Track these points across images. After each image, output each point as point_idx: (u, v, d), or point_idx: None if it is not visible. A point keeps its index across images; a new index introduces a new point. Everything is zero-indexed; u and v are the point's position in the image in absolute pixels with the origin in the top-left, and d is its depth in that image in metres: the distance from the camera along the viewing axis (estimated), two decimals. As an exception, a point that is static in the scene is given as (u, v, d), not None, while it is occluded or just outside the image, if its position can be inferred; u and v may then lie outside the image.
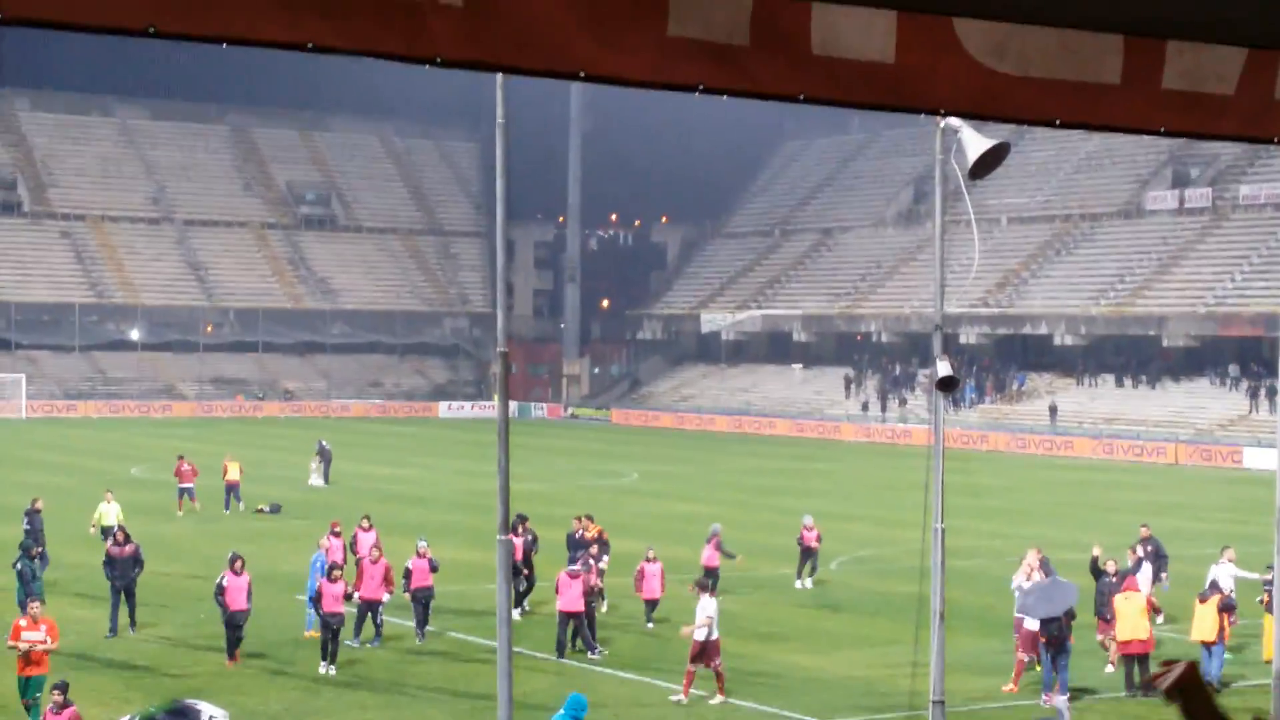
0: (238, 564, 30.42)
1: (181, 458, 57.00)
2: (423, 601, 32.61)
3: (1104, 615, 29.35)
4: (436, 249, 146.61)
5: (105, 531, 39.65)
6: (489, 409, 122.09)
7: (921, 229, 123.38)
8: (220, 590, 29.93)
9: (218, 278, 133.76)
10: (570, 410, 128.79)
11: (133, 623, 32.61)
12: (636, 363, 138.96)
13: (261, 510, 54.66)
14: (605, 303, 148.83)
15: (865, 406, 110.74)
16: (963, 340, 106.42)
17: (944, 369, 16.78)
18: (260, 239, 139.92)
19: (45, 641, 25.27)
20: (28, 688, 25.13)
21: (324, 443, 67.42)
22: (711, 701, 27.09)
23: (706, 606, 27.60)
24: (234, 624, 29.84)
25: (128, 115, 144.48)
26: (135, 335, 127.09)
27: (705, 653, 27.34)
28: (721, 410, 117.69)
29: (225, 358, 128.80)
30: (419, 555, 33.07)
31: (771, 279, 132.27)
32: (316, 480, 64.03)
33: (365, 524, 36.92)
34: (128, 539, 33.44)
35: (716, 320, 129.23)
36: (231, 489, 56.81)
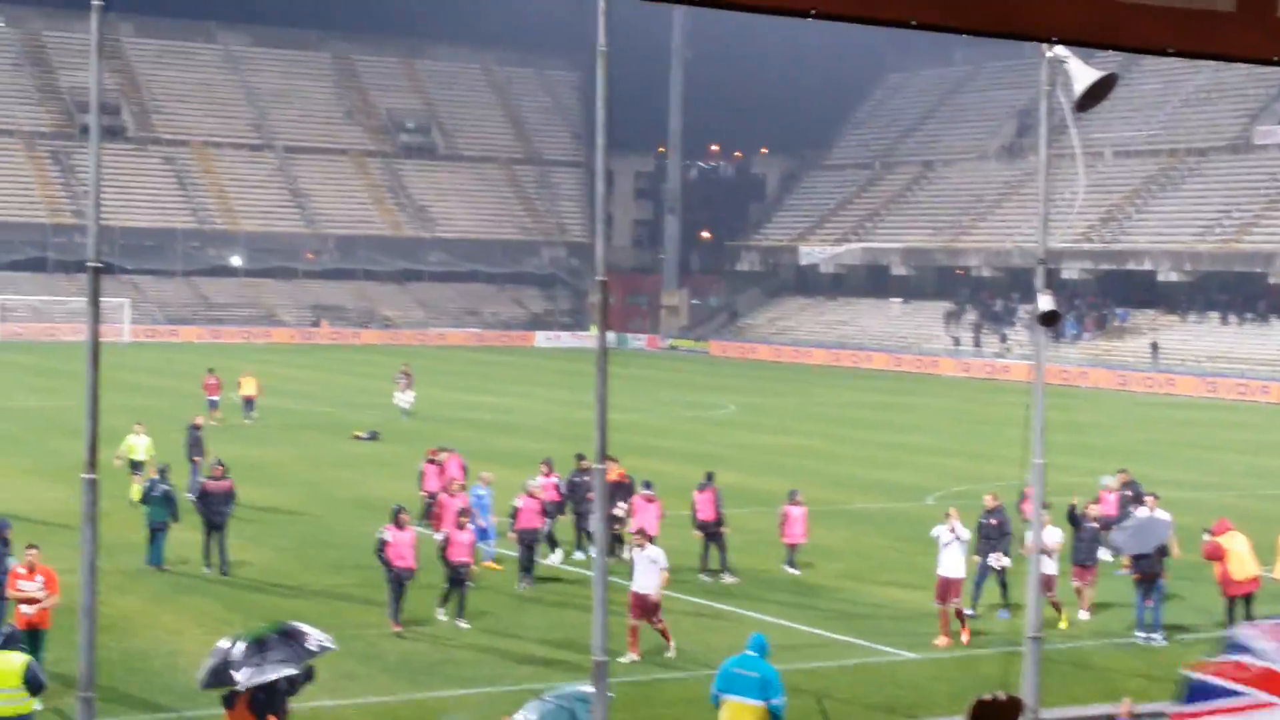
0: (402, 517, 27.34)
1: (211, 371, 60.91)
2: (528, 544, 30.70)
3: (1084, 563, 28.99)
4: (535, 178, 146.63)
5: (134, 465, 38.59)
6: (586, 339, 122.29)
7: (1024, 162, 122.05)
8: (381, 546, 26.89)
9: (318, 205, 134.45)
10: (668, 341, 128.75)
11: (224, 563, 31.06)
12: (735, 294, 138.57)
13: (359, 436, 54.99)
14: (704, 234, 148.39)
15: (958, 341, 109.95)
16: (1065, 276, 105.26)
17: (1046, 304, 16.53)
18: (360, 167, 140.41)
19: (41, 594, 22.66)
20: (30, 643, 21.66)
21: (407, 369, 65.79)
22: (668, 654, 25.29)
23: (659, 558, 25.55)
24: (399, 583, 26.76)
25: (230, 41, 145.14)
26: (236, 261, 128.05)
27: (647, 608, 25.34)
28: (819, 343, 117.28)
29: (324, 285, 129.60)
30: (529, 495, 31.13)
31: (871, 212, 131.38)
32: (402, 401, 63.12)
33: (444, 455, 36.94)
34: (225, 473, 31.86)
35: (815, 253, 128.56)
36: (248, 402, 60.23)
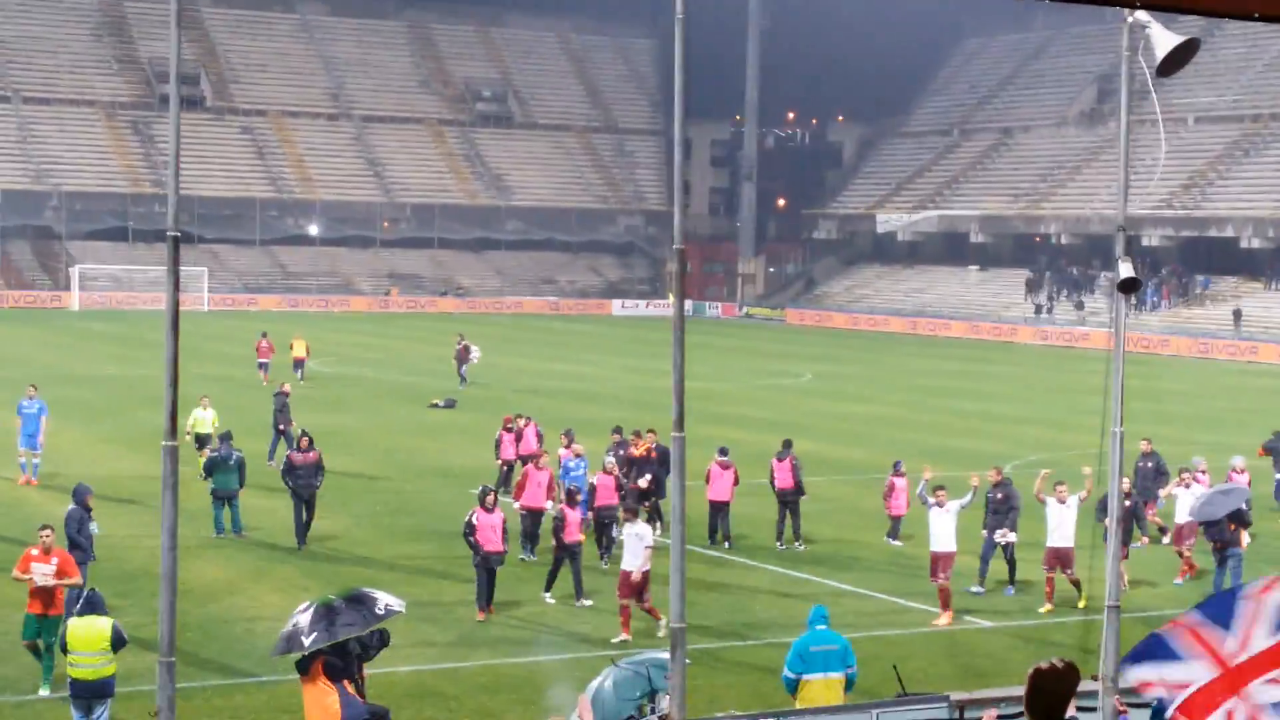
0: (489, 499, 26.26)
1: (264, 335, 63.18)
2: (606, 521, 29.62)
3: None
4: (612, 146, 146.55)
5: (200, 439, 37.96)
6: (662, 307, 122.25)
7: (1104, 128, 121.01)
8: (470, 529, 25.82)
9: (394, 174, 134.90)
10: (745, 309, 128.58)
11: (302, 539, 30.69)
12: (811, 262, 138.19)
13: (435, 405, 55.20)
14: (781, 201, 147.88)
15: (1039, 309, 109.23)
16: (1145, 243, 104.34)
17: (1126, 270, 16.36)
18: (437, 135, 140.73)
19: (59, 577, 21.54)
20: (39, 628, 21.43)
21: (465, 340, 64.18)
22: (660, 634, 23.99)
23: (644, 535, 24.78)
24: (488, 567, 25.71)
25: (307, 11, 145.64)
26: (313, 230, 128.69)
27: (632, 586, 24.51)
28: (896, 311, 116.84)
29: (401, 253, 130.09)
30: (605, 471, 30.11)
31: (949, 179, 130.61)
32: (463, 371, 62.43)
33: (522, 420, 36.97)
34: (311, 445, 31.20)
35: (892, 220, 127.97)
36: (298, 364, 62.00)
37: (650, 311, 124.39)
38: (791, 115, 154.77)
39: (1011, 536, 28.09)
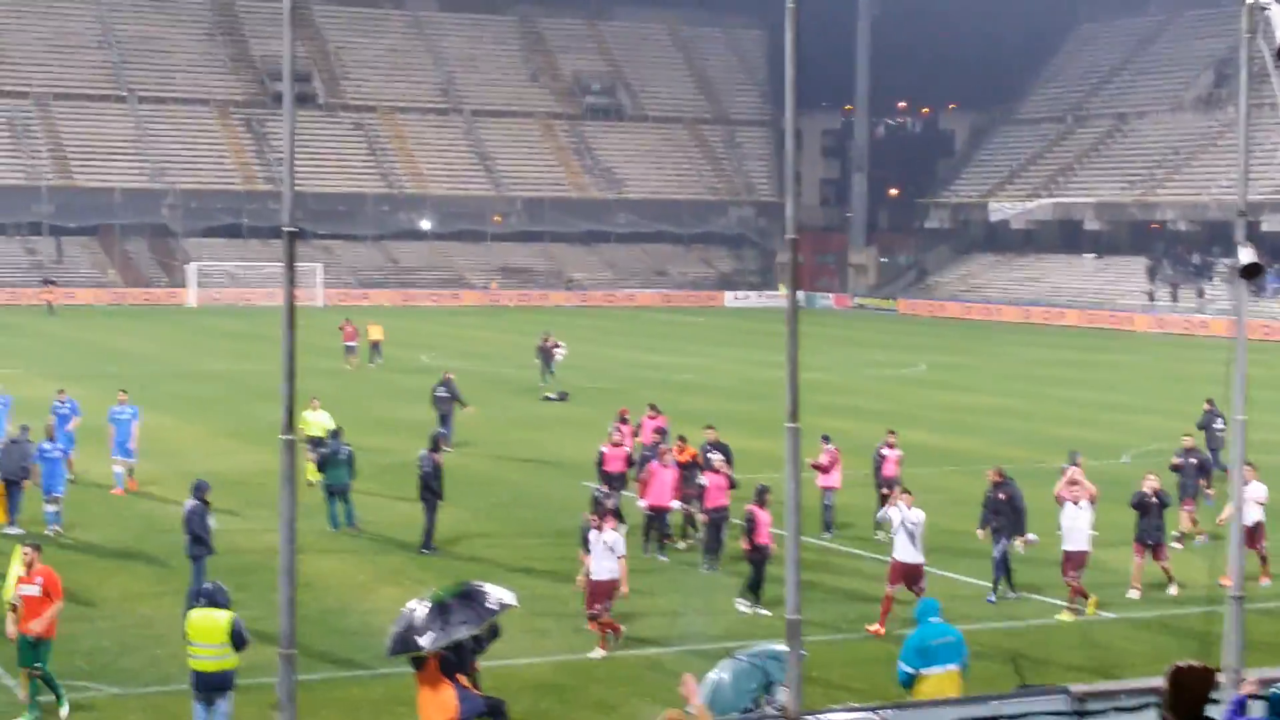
0: (609, 502, 25.68)
1: (347, 320, 67.66)
2: (717, 523, 28.58)
3: (1148, 541, 27.25)
4: (722, 138, 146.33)
5: (313, 442, 35.96)
6: (774, 298, 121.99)
7: (1222, 113, 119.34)
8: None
9: (505, 168, 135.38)
10: (857, 300, 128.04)
11: (427, 539, 30.10)
12: (924, 252, 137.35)
13: (548, 398, 55.35)
14: (893, 191, 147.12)
15: (1154, 296, 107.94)
16: (1265, 229, 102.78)
17: (1247, 256, 16.11)
18: (547, 129, 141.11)
19: (42, 599, 20.09)
20: (30, 653, 20.04)
21: (552, 337, 62.55)
22: (601, 650, 23.19)
23: (616, 544, 23.58)
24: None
25: (417, 7, 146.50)
26: (425, 225, 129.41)
27: (600, 596, 23.42)
28: (1010, 300, 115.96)
29: (512, 247, 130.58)
30: (714, 470, 29.09)
31: (1063, 166, 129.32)
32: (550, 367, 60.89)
33: (651, 413, 36.93)
34: (436, 447, 31.06)
35: (1006, 208, 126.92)
36: (375, 347, 66.75)
37: (762, 303, 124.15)
38: (903, 104, 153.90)
39: (1033, 539, 26.97)
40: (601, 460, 32.06)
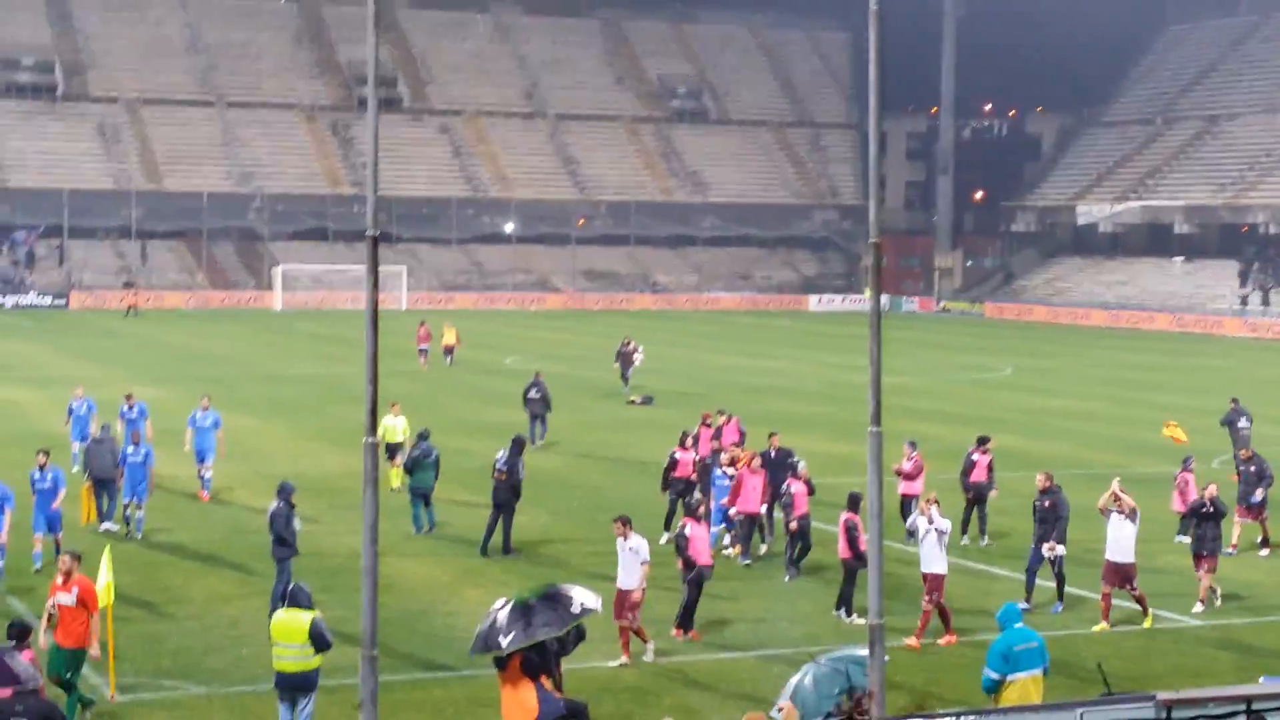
0: (701, 509, 25.38)
1: (423, 323, 68.87)
2: (803, 530, 28.12)
3: (1203, 552, 26.49)
4: (807, 141, 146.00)
5: (390, 449, 35.63)
6: (859, 302, 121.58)
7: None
8: (684, 542, 24.31)
9: (590, 171, 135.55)
10: (942, 303, 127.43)
11: (506, 544, 29.90)
12: (1010, 255, 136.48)
13: (633, 401, 55.35)
14: (978, 194, 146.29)
15: (1244, 300, 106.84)
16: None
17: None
18: (632, 132, 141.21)
19: (78, 609, 19.61)
20: (63, 662, 19.52)
21: (632, 342, 61.04)
22: (645, 657, 22.90)
23: (641, 550, 23.12)
24: (698, 582, 24.31)
25: (502, 11, 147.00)
26: (509, 228, 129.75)
27: (627, 606, 22.85)
28: (1097, 304, 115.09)
29: (597, 251, 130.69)
30: (796, 477, 28.58)
31: (1152, 169, 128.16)
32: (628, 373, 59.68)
33: (724, 417, 36.79)
34: (510, 458, 30.23)
35: (1093, 211, 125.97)
36: (448, 351, 67.69)
37: (847, 306, 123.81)
38: (989, 106, 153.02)
39: (1060, 549, 26.23)
40: (673, 465, 31.81)
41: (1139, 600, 25.32)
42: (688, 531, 24.39)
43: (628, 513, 27.63)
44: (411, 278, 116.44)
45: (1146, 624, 25.21)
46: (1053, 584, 26.31)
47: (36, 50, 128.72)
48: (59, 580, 19.95)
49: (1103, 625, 25.07)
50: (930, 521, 24.29)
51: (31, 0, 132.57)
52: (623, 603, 22.85)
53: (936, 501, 24.83)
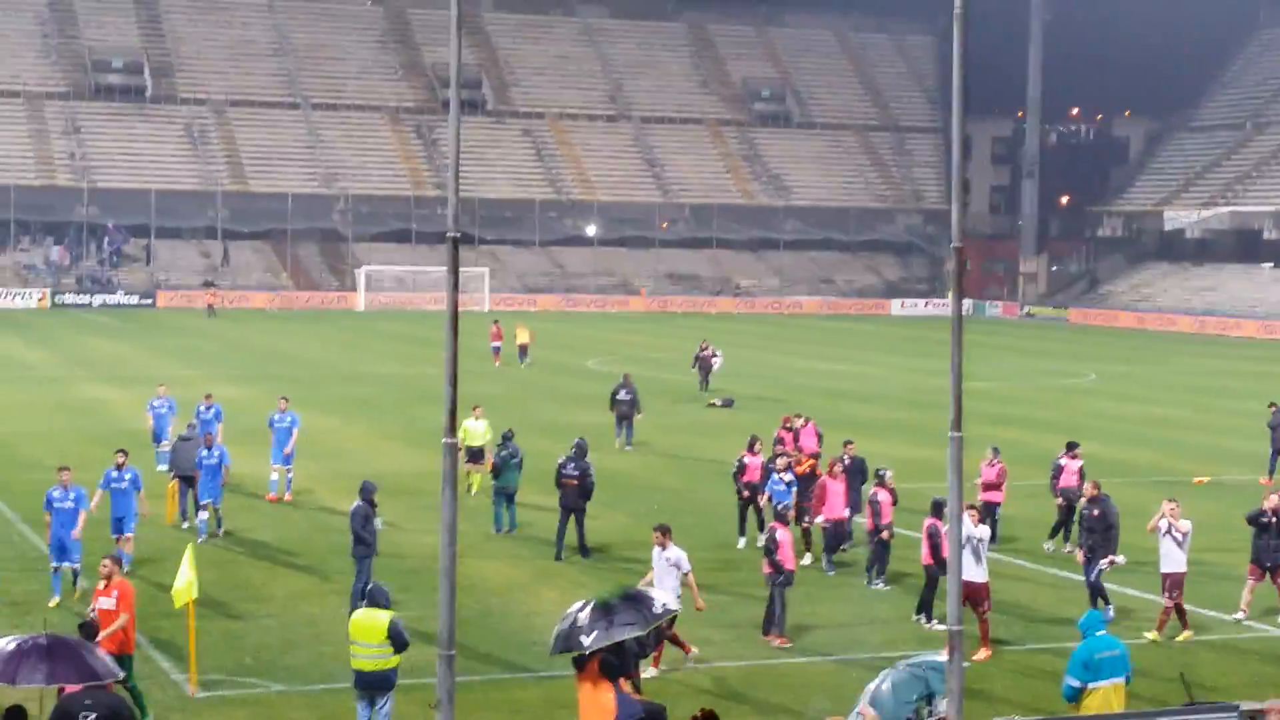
0: (790, 514, 25.15)
1: (495, 321, 71.00)
2: (885, 542, 27.77)
3: (1265, 563, 25.78)
4: (891, 145, 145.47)
5: (472, 454, 35.12)
6: (942, 306, 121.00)
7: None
8: (773, 546, 24.02)
9: (672, 174, 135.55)
10: (1026, 309, 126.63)
11: (583, 546, 29.92)
12: (1096, 260, 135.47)
13: (714, 404, 55.30)
14: (1064, 199, 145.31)
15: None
16: None
17: None
18: (715, 135, 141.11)
19: (116, 613, 19.54)
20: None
21: (710, 346, 61.08)
22: (686, 665, 22.54)
23: (681, 561, 22.61)
24: (787, 587, 24.01)
25: (587, 14, 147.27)
26: (592, 231, 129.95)
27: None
28: (1184, 310, 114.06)
29: (679, 253, 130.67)
30: (883, 485, 28.04)
31: (1241, 174, 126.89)
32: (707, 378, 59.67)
33: (800, 420, 36.66)
34: (579, 462, 30.33)
35: (1181, 217, 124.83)
36: (523, 350, 68.87)
37: (929, 311, 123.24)
38: (1075, 110, 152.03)
39: (1120, 560, 25.74)
40: (741, 470, 31.68)
41: (1179, 610, 24.82)
42: (778, 536, 24.06)
43: (706, 517, 27.75)
44: (494, 279, 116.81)
45: (1182, 637, 24.65)
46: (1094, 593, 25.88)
47: (126, 53, 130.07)
48: (100, 585, 20.05)
49: (1155, 635, 24.68)
50: (965, 531, 23.41)
51: (122, 3, 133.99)
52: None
53: (974, 508, 24.37)
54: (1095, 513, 25.85)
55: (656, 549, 22.87)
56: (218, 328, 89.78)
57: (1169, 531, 24.74)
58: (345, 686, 19.47)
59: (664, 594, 18.46)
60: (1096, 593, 25.64)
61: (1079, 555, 26.41)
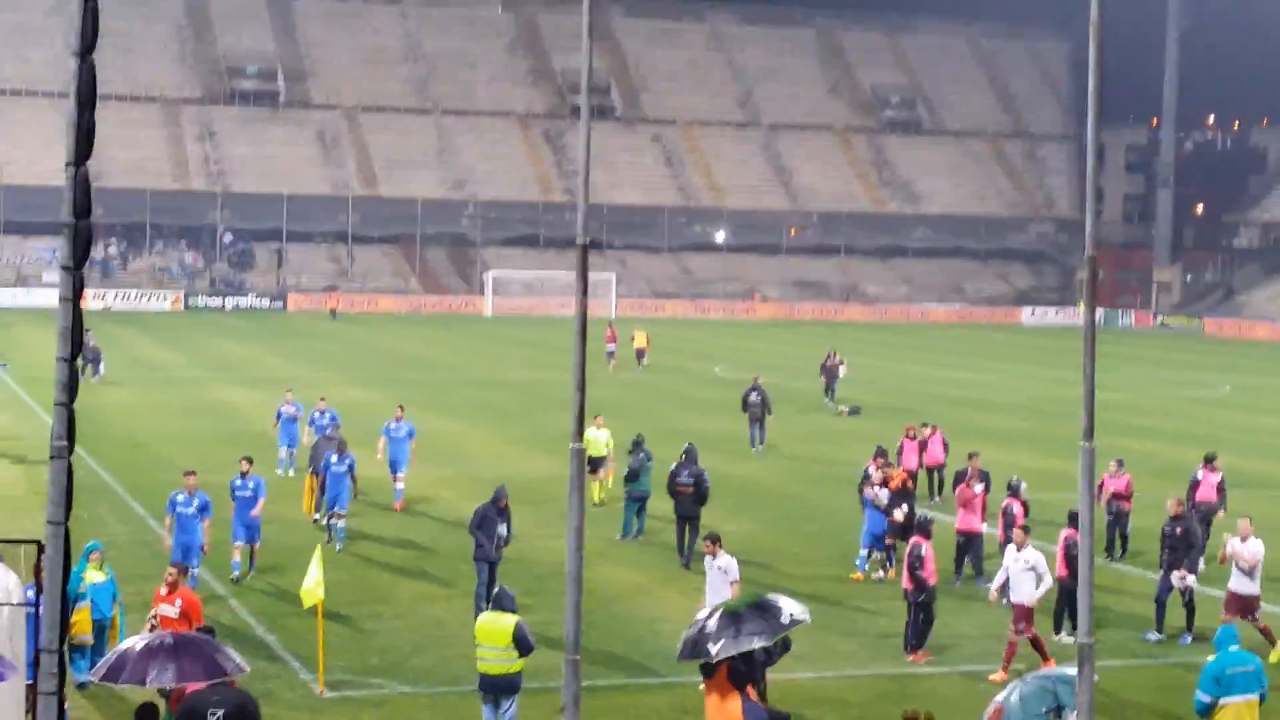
0: (933, 527, 24.93)
1: (610, 324, 71.74)
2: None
3: None
4: (1022, 152, 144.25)
5: (593, 463, 34.34)
6: (1073, 316, 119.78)
7: None
8: (918, 563, 23.54)
9: (801, 181, 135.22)
10: (1160, 319, 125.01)
11: (687, 558, 29.58)
12: (1231, 271, 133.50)
13: (841, 413, 55.05)
14: (1200, 208, 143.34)
15: None
16: None
17: None
18: (844, 142, 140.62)
19: (179, 619, 19.49)
20: None
21: (836, 355, 59.69)
22: None
23: (730, 569, 22.39)
24: (930, 603, 23.68)
25: (717, 20, 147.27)
26: (720, 237, 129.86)
27: None
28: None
29: (807, 261, 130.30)
30: (1016, 496, 27.98)
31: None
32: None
33: (928, 429, 36.36)
34: (692, 468, 30.27)
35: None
36: (640, 354, 69.16)
37: (1060, 320, 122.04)
38: (1211, 118, 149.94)
39: (1191, 579, 25.05)
40: (866, 479, 31.28)
41: (1264, 632, 24.15)
42: (923, 551, 23.66)
43: (829, 525, 27.55)
44: (622, 285, 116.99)
45: (1273, 657, 23.84)
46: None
47: (260, 59, 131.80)
48: (163, 590, 20.09)
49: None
50: (1019, 550, 23.39)
51: (257, 10, 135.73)
52: None
53: (1026, 529, 24.11)
54: (1178, 530, 25.18)
55: (708, 558, 22.75)
56: (346, 331, 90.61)
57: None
58: (471, 689, 19.55)
59: (793, 603, 18.34)
60: (1164, 610, 25.02)
61: (1181, 576, 25.39)
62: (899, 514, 28.81)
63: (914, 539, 24.31)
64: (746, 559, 30.20)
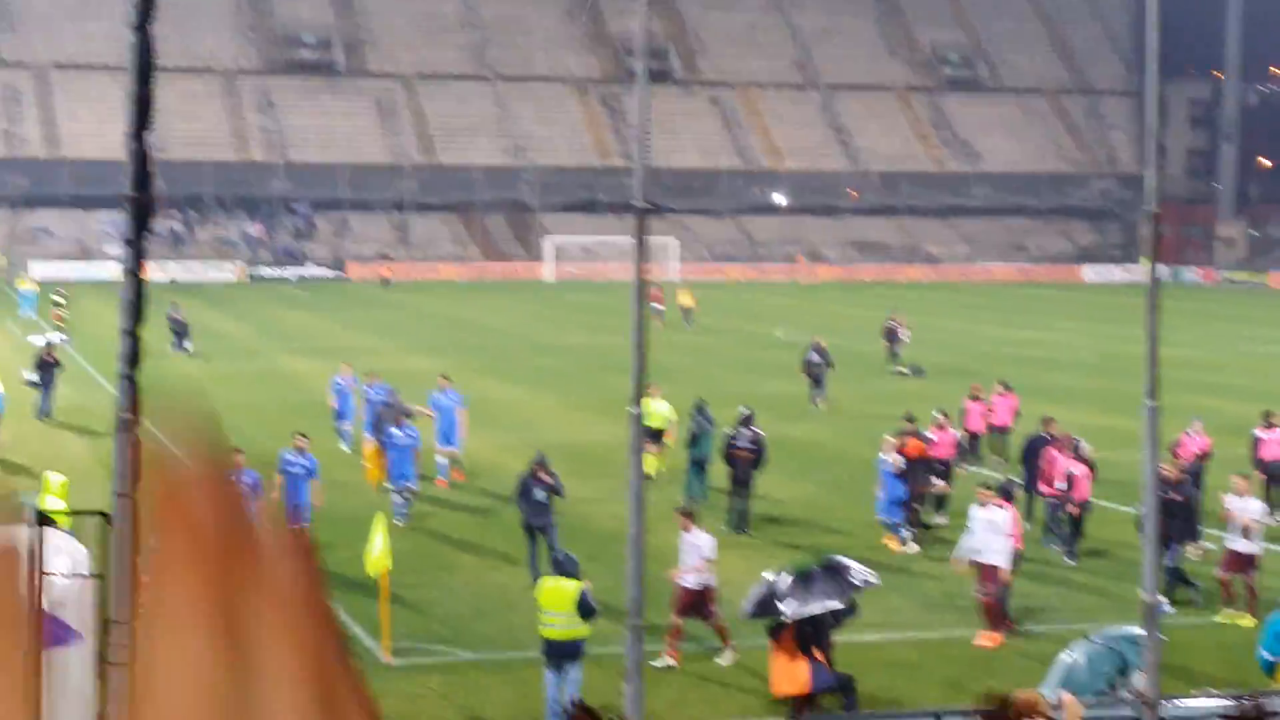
0: (1017, 491, 24.87)
1: (657, 286, 68.39)
2: (1083, 515, 27.12)
3: None
4: (1084, 108, 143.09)
5: (651, 435, 31.23)
6: (1136, 272, 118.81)
7: None
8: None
9: (861, 142, 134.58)
10: (1224, 274, 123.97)
11: (746, 521, 29.71)
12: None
13: (902, 372, 54.87)
14: (1265, 162, 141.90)
15: None
16: None
17: None
18: (903, 102, 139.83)
19: None
20: None
21: (896, 319, 59.74)
22: (720, 660, 21.48)
23: (703, 545, 21.90)
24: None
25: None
26: (780, 199, 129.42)
27: (689, 604, 21.60)
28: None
29: (867, 221, 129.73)
30: (1077, 456, 27.59)
31: None
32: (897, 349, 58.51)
33: (1001, 389, 36.21)
34: (751, 432, 30.26)
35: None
36: (686, 314, 69.75)
37: (1123, 277, 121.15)
38: (1277, 70, 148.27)
39: (1208, 546, 24.85)
40: (928, 443, 31.09)
41: (1248, 589, 23.91)
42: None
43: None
44: (682, 249, 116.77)
45: (1220, 617, 23.78)
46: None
47: (317, 29, 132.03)
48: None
49: (1226, 612, 23.88)
50: (982, 507, 23.04)
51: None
52: (683, 599, 21.64)
53: (988, 488, 23.73)
54: (1179, 498, 24.30)
55: (684, 533, 22.35)
56: (406, 299, 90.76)
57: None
58: (535, 655, 19.60)
59: (862, 568, 18.32)
60: (1175, 578, 24.29)
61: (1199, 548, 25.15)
62: (938, 484, 28.94)
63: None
64: (806, 521, 30.21)
